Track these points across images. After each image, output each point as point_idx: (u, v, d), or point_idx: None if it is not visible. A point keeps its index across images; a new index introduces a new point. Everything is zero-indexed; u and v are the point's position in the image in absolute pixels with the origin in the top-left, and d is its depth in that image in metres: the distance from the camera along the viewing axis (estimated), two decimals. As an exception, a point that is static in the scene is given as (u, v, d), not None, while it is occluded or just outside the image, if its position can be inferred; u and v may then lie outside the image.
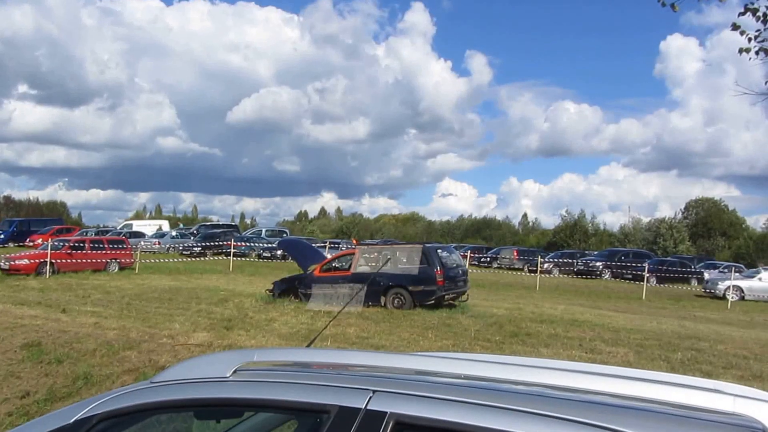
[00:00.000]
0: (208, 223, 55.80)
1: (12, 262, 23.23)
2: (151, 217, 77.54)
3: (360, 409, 1.54)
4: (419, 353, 2.53)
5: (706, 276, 32.91)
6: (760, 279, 28.30)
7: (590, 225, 67.26)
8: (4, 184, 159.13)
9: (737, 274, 29.97)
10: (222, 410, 2.11)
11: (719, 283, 28.93)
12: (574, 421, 1.36)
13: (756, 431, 1.29)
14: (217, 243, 37.72)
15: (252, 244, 39.49)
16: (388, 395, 1.58)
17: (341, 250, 26.97)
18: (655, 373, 1.53)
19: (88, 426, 1.88)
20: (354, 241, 41.08)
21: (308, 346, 2.81)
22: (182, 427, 4.00)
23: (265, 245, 38.89)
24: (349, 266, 17.24)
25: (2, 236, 41.31)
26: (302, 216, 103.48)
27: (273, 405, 1.90)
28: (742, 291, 28.04)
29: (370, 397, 1.56)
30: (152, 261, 29.56)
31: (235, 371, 1.89)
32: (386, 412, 1.51)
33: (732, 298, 26.54)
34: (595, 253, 44.45)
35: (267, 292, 17.89)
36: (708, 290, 29.38)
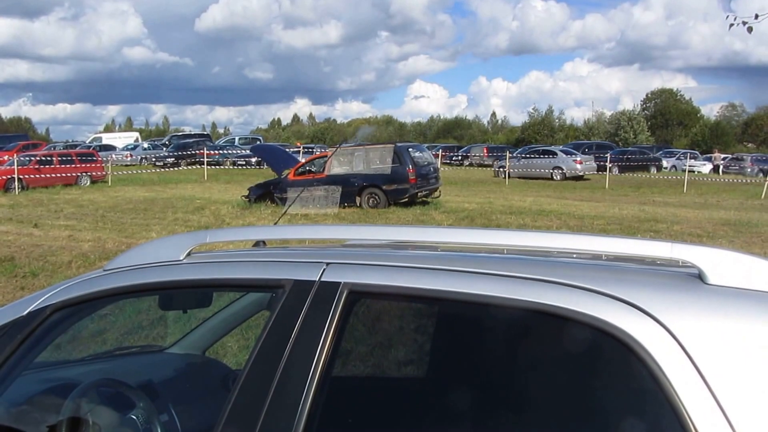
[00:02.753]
0: (180, 134, 54.95)
1: (-22, 180, 22.81)
2: (122, 130, 76.11)
3: (314, 281, 1.54)
4: (378, 225, 2.53)
5: (665, 163, 35.10)
6: None
7: (557, 121, 68.12)
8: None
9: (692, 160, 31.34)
10: (178, 293, 2.11)
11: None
12: (516, 277, 1.38)
13: (692, 274, 1.32)
14: (190, 153, 37.25)
15: (226, 152, 39.10)
16: (341, 266, 1.59)
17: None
18: (606, 236, 1.56)
19: (42, 317, 1.87)
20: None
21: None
22: (159, 322, 4.03)
23: (240, 153, 38.51)
24: (323, 169, 17.27)
25: (-37, 155, 40.42)
26: (276, 123, 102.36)
27: (227, 284, 1.90)
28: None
29: (324, 270, 1.57)
30: (125, 173, 29.22)
31: (188, 253, 1.87)
32: (340, 282, 1.51)
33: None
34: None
35: (243, 198, 17.91)
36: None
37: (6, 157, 29.83)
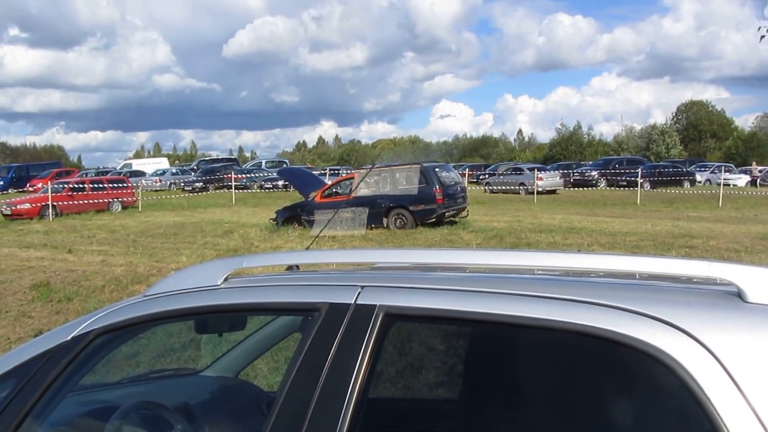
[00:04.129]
0: (208, 158, 55.69)
1: (14, 207, 23.27)
2: (150, 156, 77.32)
3: (350, 304, 1.56)
4: (408, 248, 2.56)
5: (699, 177, 34.41)
6: None
7: (586, 136, 67.54)
8: (1, 130, 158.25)
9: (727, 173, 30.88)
10: (216, 317, 2.15)
11: None
12: (553, 299, 1.39)
13: (731, 292, 1.31)
14: (218, 177, 37.72)
15: (253, 176, 39.51)
16: (376, 289, 1.61)
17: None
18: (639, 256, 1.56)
19: (86, 342, 1.92)
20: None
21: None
22: (191, 345, 4.08)
23: (266, 176, 38.88)
24: (350, 191, 17.33)
25: (1, 183, 41.32)
26: (301, 146, 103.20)
27: (265, 308, 1.93)
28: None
29: (359, 293, 1.59)
30: (155, 198, 29.65)
31: (226, 278, 1.91)
32: (375, 305, 1.53)
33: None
34: (590, 163, 44.71)
35: (270, 221, 18.01)
36: None
37: (40, 185, 30.55)
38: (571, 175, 38.71)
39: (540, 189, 32.15)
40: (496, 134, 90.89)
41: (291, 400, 1.51)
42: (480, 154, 76.62)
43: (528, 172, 35.13)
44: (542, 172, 35.46)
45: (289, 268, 2.21)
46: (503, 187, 34.78)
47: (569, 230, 15.83)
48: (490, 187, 35.16)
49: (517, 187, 33.87)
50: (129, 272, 11.06)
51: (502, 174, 37.53)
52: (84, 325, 1.95)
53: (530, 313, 1.36)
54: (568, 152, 62.93)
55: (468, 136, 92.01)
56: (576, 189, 34.51)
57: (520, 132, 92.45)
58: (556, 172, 36.23)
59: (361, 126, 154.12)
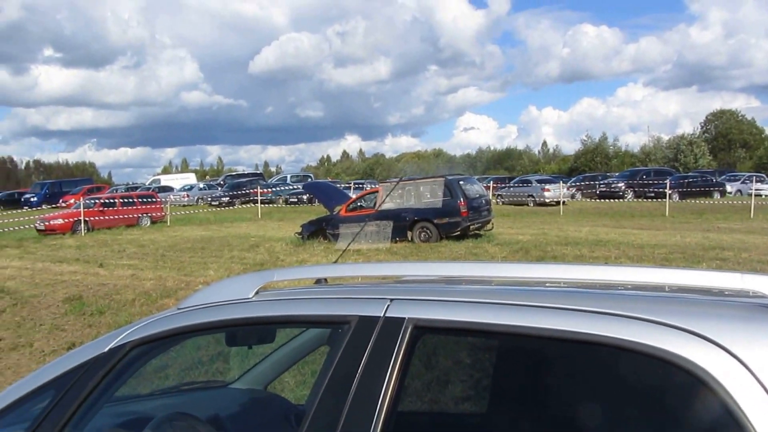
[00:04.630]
0: (234, 173, 56.23)
1: (47, 223, 23.72)
2: (178, 171, 78.27)
3: (379, 317, 1.59)
4: (435, 261, 2.57)
5: (729, 187, 33.76)
6: None
7: (611, 147, 66.67)
8: (35, 148, 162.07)
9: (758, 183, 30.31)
10: (247, 330, 2.19)
11: None
12: (583, 311, 1.39)
13: (763, 305, 1.31)
14: (244, 192, 38.04)
15: (278, 190, 39.77)
16: (404, 302, 1.63)
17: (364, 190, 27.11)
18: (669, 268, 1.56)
19: (122, 353, 1.97)
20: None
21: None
22: (220, 357, 4.13)
23: (291, 190, 39.12)
24: (374, 204, 17.40)
25: (35, 199, 42.15)
26: (325, 160, 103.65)
27: (295, 320, 1.96)
28: None
29: (388, 305, 1.61)
30: (182, 213, 29.97)
31: (257, 291, 1.95)
32: (404, 318, 1.55)
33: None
34: (617, 174, 44.17)
35: (296, 235, 18.11)
36: None
37: (72, 200, 31.08)
38: (597, 186, 38.33)
39: (547, 200, 33.04)
40: (521, 146, 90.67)
41: (321, 413, 1.54)
42: (504, 166, 76.35)
43: (536, 183, 36.31)
44: (548, 183, 36.09)
45: (318, 281, 2.24)
46: (513, 199, 35.50)
47: (596, 243, 15.61)
48: (502, 199, 35.89)
49: (525, 199, 34.54)
50: (158, 286, 11.20)
51: (511, 186, 38.22)
52: (120, 337, 2.00)
53: (560, 326, 1.37)
54: (594, 164, 62.29)
55: (492, 148, 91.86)
56: (602, 201, 34.20)
57: (544, 144, 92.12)
58: (562, 183, 36.47)
59: (385, 139, 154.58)
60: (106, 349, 1.98)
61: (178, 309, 2.04)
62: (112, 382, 2.02)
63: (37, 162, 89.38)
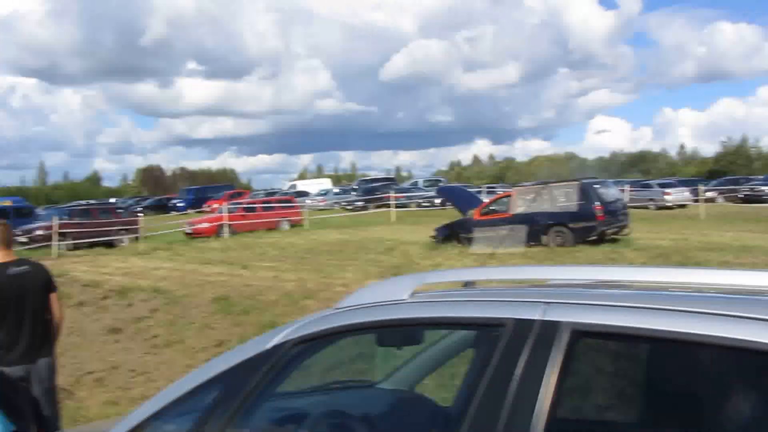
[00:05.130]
0: (367, 178, 57.44)
1: (194, 227, 25.32)
2: (313, 177, 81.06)
3: (535, 320, 1.56)
4: (586, 264, 2.49)
5: None
6: None
7: (753, 149, 62.28)
8: (180, 156, 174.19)
9: None
10: (401, 331, 2.22)
11: None
12: (747, 318, 1.31)
13: None
14: (377, 196, 38.71)
15: (411, 194, 40.15)
16: (561, 306, 1.60)
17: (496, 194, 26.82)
18: None
19: (284, 350, 2.06)
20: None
21: None
22: (367, 357, 4.21)
23: (424, 195, 39.36)
24: (508, 208, 17.20)
25: (182, 204, 44.99)
26: (456, 164, 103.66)
27: (449, 322, 1.96)
28: None
29: (545, 309, 1.57)
30: (319, 217, 30.95)
31: (412, 293, 1.97)
32: (561, 322, 1.51)
33: None
34: (761, 177, 40.96)
35: (430, 238, 18.22)
36: None
37: (216, 205, 32.99)
38: (740, 190, 35.89)
39: (668, 204, 32.20)
40: (656, 149, 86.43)
41: (478, 416, 1.52)
42: (639, 169, 72.98)
43: (656, 187, 35.50)
44: (669, 187, 34.97)
45: (466, 284, 2.24)
46: (633, 204, 33.59)
47: (741, 249, 14.53)
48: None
49: (646, 203, 33.16)
50: (299, 287, 11.63)
51: (632, 190, 36.23)
52: (282, 334, 2.09)
53: (723, 333, 1.31)
54: (735, 166, 58.44)
55: (625, 151, 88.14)
56: (745, 205, 31.77)
57: (682, 146, 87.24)
58: (685, 187, 35.20)
59: (515, 143, 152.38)
60: (270, 345, 2.08)
61: (336, 309, 2.11)
62: (274, 378, 2.11)
63: (182, 169, 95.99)
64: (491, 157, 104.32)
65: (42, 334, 4.57)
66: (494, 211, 17.65)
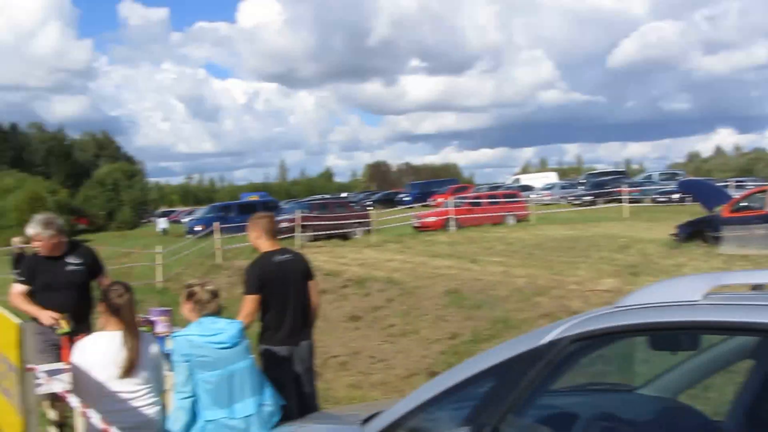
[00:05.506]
0: (595, 172, 55.17)
1: (422, 220, 26.06)
2: (536, 171, 79.66)
3: None
4: None
5: None
6: None
7: None
8: (404, 151, 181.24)
9: None
10: (691, 335, 2.06)
11: None
12: None
13: None
14: (607, 190, 37.02)
15: (645, 189, 37.84)
16: None
17: (747, 189, 24.27)
18: None
19: (560, 347, 2.01)
20: None
21: None
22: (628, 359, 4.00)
23: (660, 189, 36.86)
24: (764, 205, 15.47)
25: (409, 198, 46.66)
26: (694, 157, 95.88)
27: (754, 328, 1.77)
28: None
29: None
30: (545, 212, 30.29)
31: (706, 294, 1.82)
32: None
33: None
34: None
35: (671, 236, 17.01)
36: None
37: (440, 200, 33.71)
38: None
39: None
40: None
41: None
42: None
43: None
44: None
45: (754, 287, 2.04)
46: None
47: None
48: None
49: None
50: (530, 284, 11.42)
51: None
52: (559, 330, 2.03)
53: None
54: None
55: None
56: None
57: None
58: None
59: (766, 132, 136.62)
60: (546, 341, 2.02)
61: (617, 307, 2.01)
62: (549, 374, 2.06)
63: (407, 164, 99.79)
64: (737, 147, 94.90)
65: (303, 318, 4.94)
66: (747, 208, 15.99)
